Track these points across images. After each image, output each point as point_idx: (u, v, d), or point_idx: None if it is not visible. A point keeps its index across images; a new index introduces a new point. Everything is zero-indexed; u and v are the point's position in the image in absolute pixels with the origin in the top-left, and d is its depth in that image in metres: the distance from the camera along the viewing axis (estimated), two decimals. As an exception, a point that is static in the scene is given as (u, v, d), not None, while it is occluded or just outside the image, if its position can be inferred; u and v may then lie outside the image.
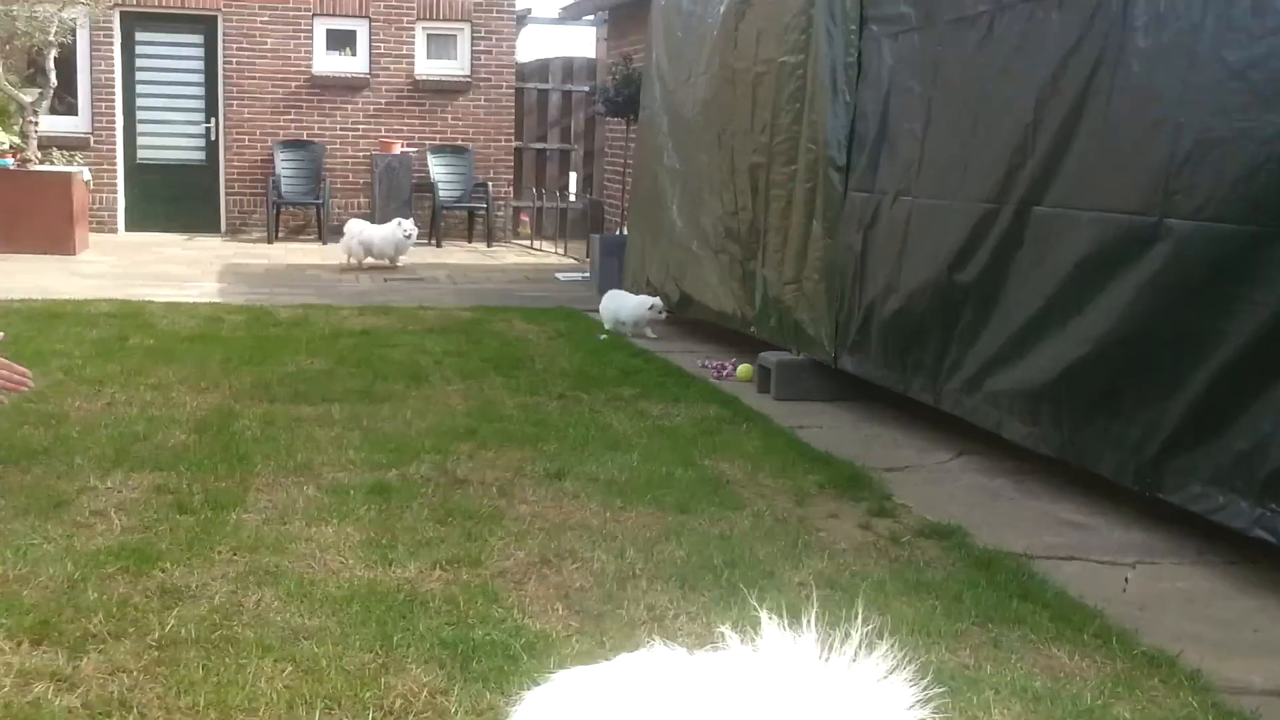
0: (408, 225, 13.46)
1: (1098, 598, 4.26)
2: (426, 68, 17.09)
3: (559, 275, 13.81)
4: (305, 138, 16.69)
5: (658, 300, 9.61)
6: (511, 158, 17.67)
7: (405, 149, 16.69)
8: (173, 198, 16.42)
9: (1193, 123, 4.66)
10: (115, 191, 16.26)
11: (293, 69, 16.66)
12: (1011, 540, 4.89)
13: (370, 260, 13.64)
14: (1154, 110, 4.85)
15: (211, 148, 16.62)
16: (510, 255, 15.81)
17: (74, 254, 13.44)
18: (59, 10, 13.70)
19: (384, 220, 16.24)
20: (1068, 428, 5.33)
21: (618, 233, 13.50)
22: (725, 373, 8.32)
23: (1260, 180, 4.39)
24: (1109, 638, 3.86)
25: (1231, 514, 4.49)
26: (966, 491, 5.65)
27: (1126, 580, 4.52)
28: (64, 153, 14.55)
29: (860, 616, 1.37)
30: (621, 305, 9.82)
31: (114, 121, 16.20)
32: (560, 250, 16.06)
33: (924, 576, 4.37)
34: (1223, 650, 3.89)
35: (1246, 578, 4.55)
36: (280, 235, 16.35)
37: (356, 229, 13.59)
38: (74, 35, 15.07)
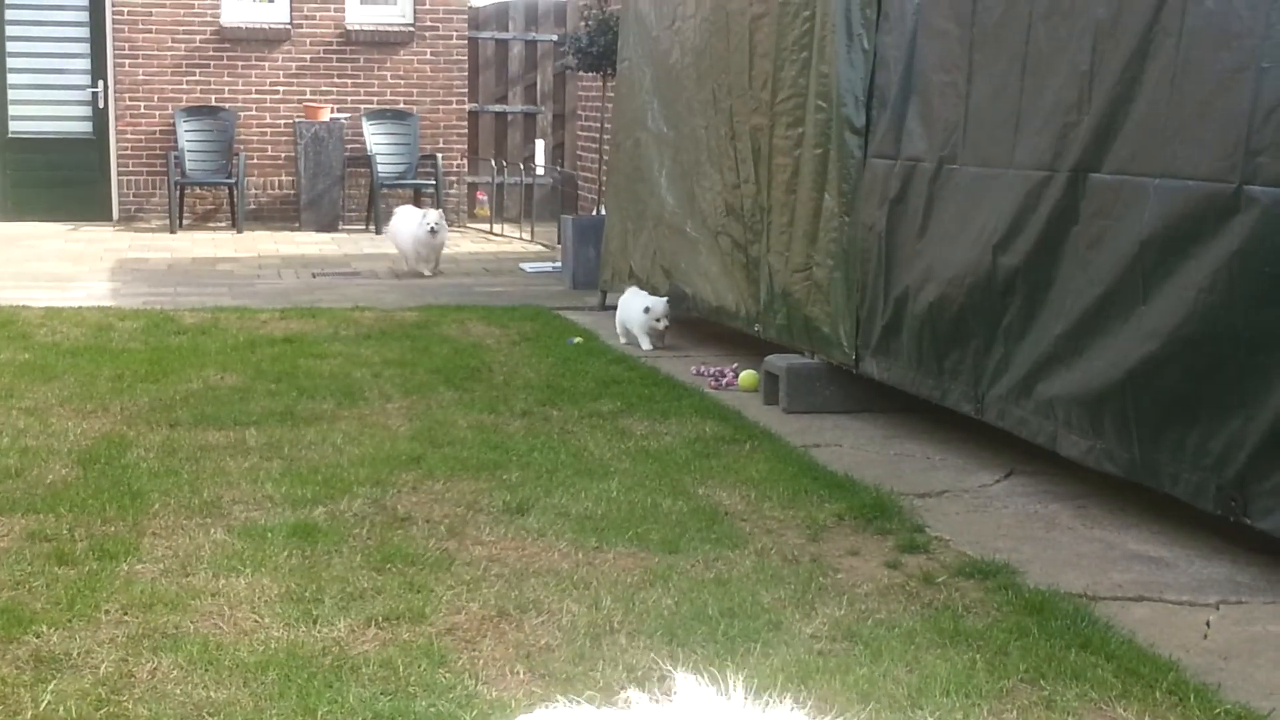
0: (432, 217, 12.74)
1: (1173, 646, 4.29)
2: (359, 15, 17.12)
3: (524, 266, 13.85)
4: (214, 103, 16.69)
5: (656, 302, 9.40)
6: (465, 124, 17.68)
7: (335, 115, 16.71)
8: (53, 180, 16.41)
9: (1278, 68, 4.69)
10: (-17, 173, 16.27)
11: (197, 20, 16.66)
12: (1069, 579, 4.92)
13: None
14: (1233, 53, 4.88)
15: (100, 117, 16.62)
16: (465, 242, 15.83)
17: (-67, 250, 13.43)
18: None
19: (310, 204, 16.28)
20: (1136, 442, 5.36)
21: (594, 213, 13.53)
22: (725, 381, 8.35)
23: (1360, 138, 4.42)
24: (1186, 694, 3.89)
25: (1333, 542, 4.52)
26: (1015, 521, 5.68)
27: (1208, 624, 4.55)
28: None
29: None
30: (630, 312, 9.55)
31: (-20, 88, 16.20)
32: (525, 235, 16.09)
33: (963, 624, 4.40)
34: (1324, 707, 3.92)
35: (1353, 619, 4.59)
36: (185, 223, 16.36)
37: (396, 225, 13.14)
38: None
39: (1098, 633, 4.33)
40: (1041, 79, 5.90)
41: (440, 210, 12.14)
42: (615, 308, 10.87)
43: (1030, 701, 3.86)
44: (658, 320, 9.31)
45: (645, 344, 9.36)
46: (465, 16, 17.53)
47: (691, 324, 9.94)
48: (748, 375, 8.23)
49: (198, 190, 16.71)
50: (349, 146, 16.71)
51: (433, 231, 12.36)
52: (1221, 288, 4.91)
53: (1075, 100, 5.64)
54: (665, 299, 9.40)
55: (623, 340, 9.50)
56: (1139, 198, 5.29)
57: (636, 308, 9.45)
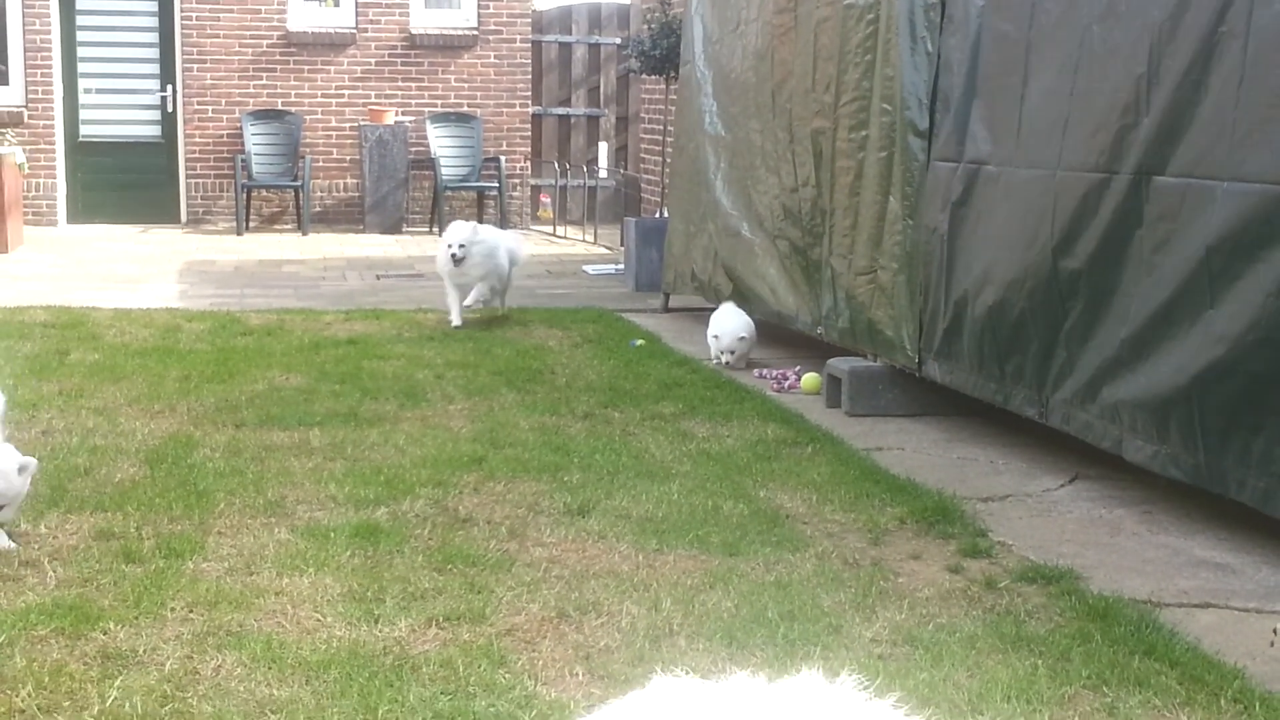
0: (459, 234, 9.81)
1: (1239, 653, 4.25)
2: (424, 19, 17.23)
3: (587, 268, 13.88)
4: (280, 107, 16.85)
5: (724, 332, 8.83)
6: (528, 127, 17.76)
7: (400, 118, 16.82)
8: (123, 183, 16.63)
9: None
10: (54, 176, 16.49)
11: (264, 24, 16.83)
12: (1134, 585, 4.88)
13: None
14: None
15: (168, 121, 16.82)
16: (528, 245, 15.83)
17: (4, 251, 13.65)
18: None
19: (374, 206, 16.37)
20: (1202, 447, 5.31)
21: (657, 215, 13.55)
22: (787, 384, 8.34)
23: None
24: (1251, 702, 3.86)
25: (1403, 549, 4.45)
26: (1079, 526, 5.64)
27: (1276, 632, 4.49)
28: (-8, 131, 14.79)
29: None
30: (724, 327, 8.96)
31: (52, 92, 16.44)
32: (588, 238, 16.13)
33: (1025, 630, 4.38)
34: (1393, 717, 3.87)
35: None
36: (252, 225, 16.52)
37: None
38: (3, -10, 15.31)
39: (1162, 639, 4.29)
40: (1096, 81, 5.87)
41: (474, 225, 9.31)
42: (679, 310, 10.91)
43: (1093, 708, 3.83)
44: (722, 353, 8.85)
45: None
46: (529, 20, 17.59)
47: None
48: (810, 378, 8.22)
49: (264, 193, 16.87)
50: (413, 149, 16.82)
51: (455, 259, 9.52)
52: (1290, 291, 4.85)
53: (1132, 102, 5.60)
54: (737, 333, 8.84)
55: (713, 361, 8.94)
56: (1206, 201, 5.24)
57: (731, 327, 8.92)
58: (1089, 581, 4.87)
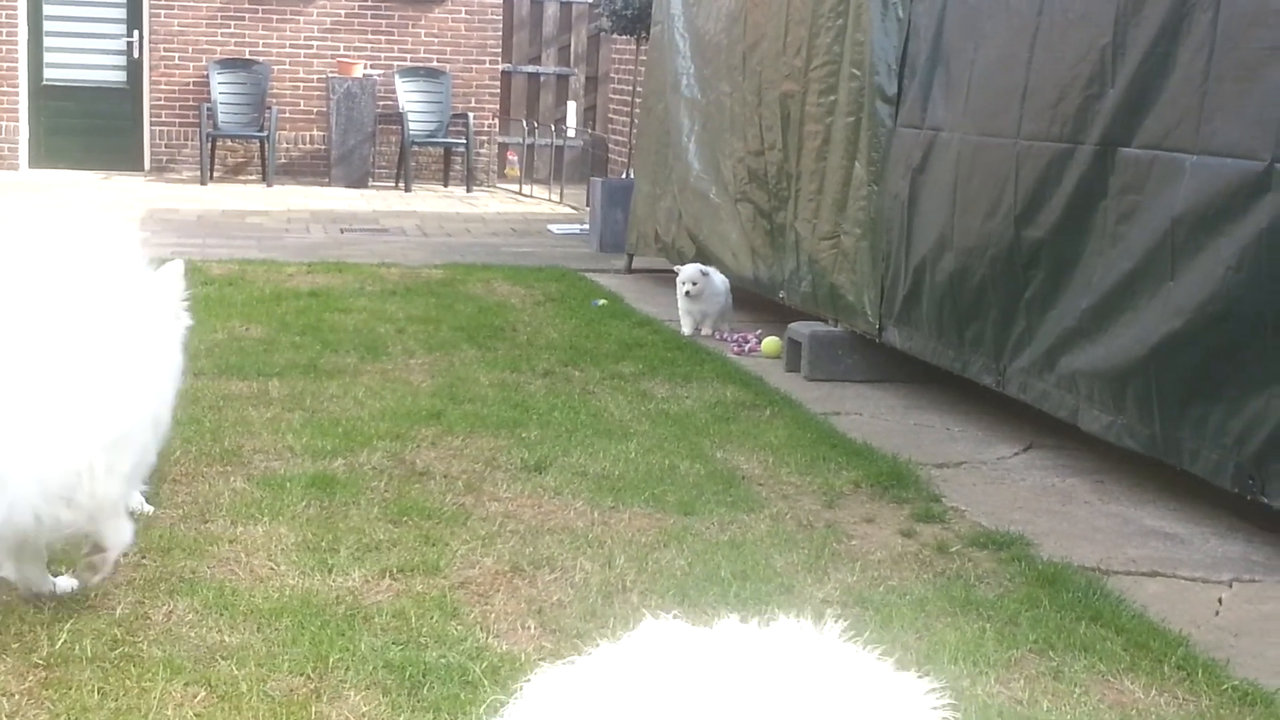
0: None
1: (1184, 622, 4.30)
2: (395, -28, 17.11)
3: (552, 228, 13.85)
4: (247, 56, 16.72)
5: (688, 268, 8.74)
6: (497, 84, 17.67)
7: (368, 71, 16.72)
8: (87, 128, 16.49)
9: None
10: (16, 120, 16.33)
11: (233, -28, 16.69)
12: (1084, 552, 4.93)
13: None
14: (1272, 29, 4.84)
15: (134, 67, 16.66)
16: (494, 202, 15.85)
17: (-35, 195, 13.51)
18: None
19: (340, 160, 16.30)
20: (1157, 418, 5.35)
21: (624, 176, 13.53)
22: (748, 347, 8.35)
23: (1392, 118, 4.39)
24: (1194, 669, 3.90)
25: (1349, 523, 4.51)
26: (1032, 493, 5.69)
27: (1220, 602, 4.56)
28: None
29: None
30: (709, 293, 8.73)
31: (15, 35, 16.25)
32: (554, 197, 16.10)
33: (974, 594, 4.42)
34: (1333, 687, 3.93)
35: (1367, 601, 4.58)
36: (216, 175, 16.41)
37: None
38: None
39: (1109, 606, 4.34)
40: (1057, 50, 5.88)
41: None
42: (641, 271, 10.91)
43: (1038, 671, 3.87)
44: (684, 284, 8.70)
45: (686, 328, 8.69)
46: (501, -24, 17.49)
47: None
48: (770, 342, 8.24)
49: (229, 143, 16.75)
50: (381, 103, 16.72)
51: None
52: (1249, 266, 4.89)
53: (1097, 72, 5.62)
54: (698, 266, 8.78)
55: (686, 331, 8.72)
56: (1174, 174, 5.26)
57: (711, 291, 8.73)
58: (1039, 548, 4.91)
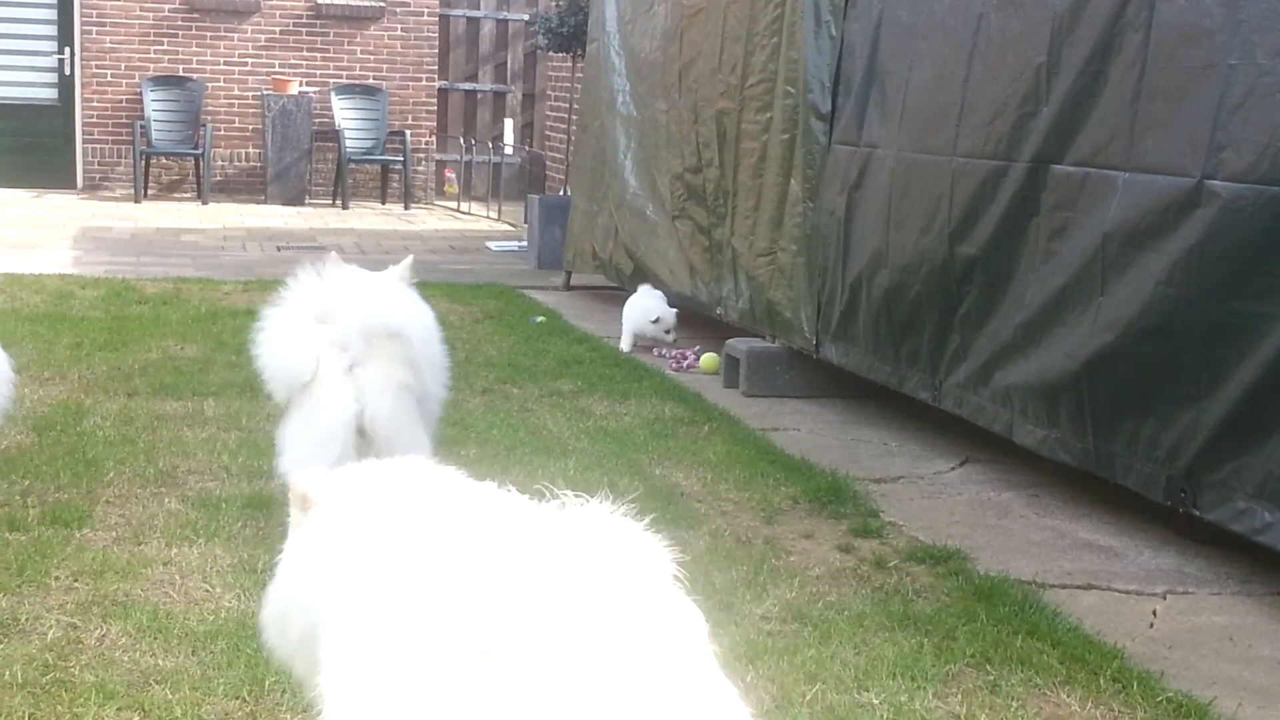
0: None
1: (1119, 634, 4.33)
2: (331, -11, 17.04)
3: (490, 245, 13.82)
4: (181, 73, 16.59)
5: (668, 313, 8.66)
6: (434, 101, 17.63)
7: (304, 88, 16.63)
8: (17, 146, 16.27)
9: (1246, 65, 4.72)
10: (-54, 137, 16.13)
11: (166, -11, 16.56)
12: (1020, 566, 4.95)
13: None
14: (1202, 49, 4.90)
15: (65, 84, 16.48)
16: (432, 220, 15.80)
17: (-106, 213, 13.32)
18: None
19: (277, 177, 16.20)
20: (1091, 432, 5.40)
21: (562, 193, 13.52)
22: (686, 363, 8.36)
23: (1319, 136, 4.45)
24: (1129, 682, 3.93)
25: (1279, 534, 4.56)
26: (969, 508, 5.72)
27: (1154, 614, 4.60)
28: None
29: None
30: (634, 313, 8.77)
31: (-55, 51, 16.05)
32: (492, 214, 16.06)
33: (912, 609, 4.43)
34: (1266, 697, 3.97)
35: (1297, 611, 4.64)
36: (150, 193, 16.26)
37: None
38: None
39: (1045, 619, 4.36)
40: (993, 69, 5.93)
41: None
42: (580, 288, 10.89)
43: (975, 685, 3.89)
44: (667, 332, 8.67)
45: (626, 344, 8.72)
46: (437, -7, 17.47)
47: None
48: (709, 358, 8.25)
49: (163, 160, 16.60)
50: (317, 121, 16.64)
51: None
52: (1179, 281, 4.94)
53: (1031, 91, 5.67)
54: (675, 311, 8.70)
55: (625, 348, 8.73)
56: (1106, 190, 5.31)
57: (642, 311, 8.76)
58: (976, 562, 4.93)
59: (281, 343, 4.68)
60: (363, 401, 4.52)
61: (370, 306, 4.68)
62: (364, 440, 4.49)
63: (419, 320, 4.86)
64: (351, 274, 4.79)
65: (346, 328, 4.59)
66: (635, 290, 9.06)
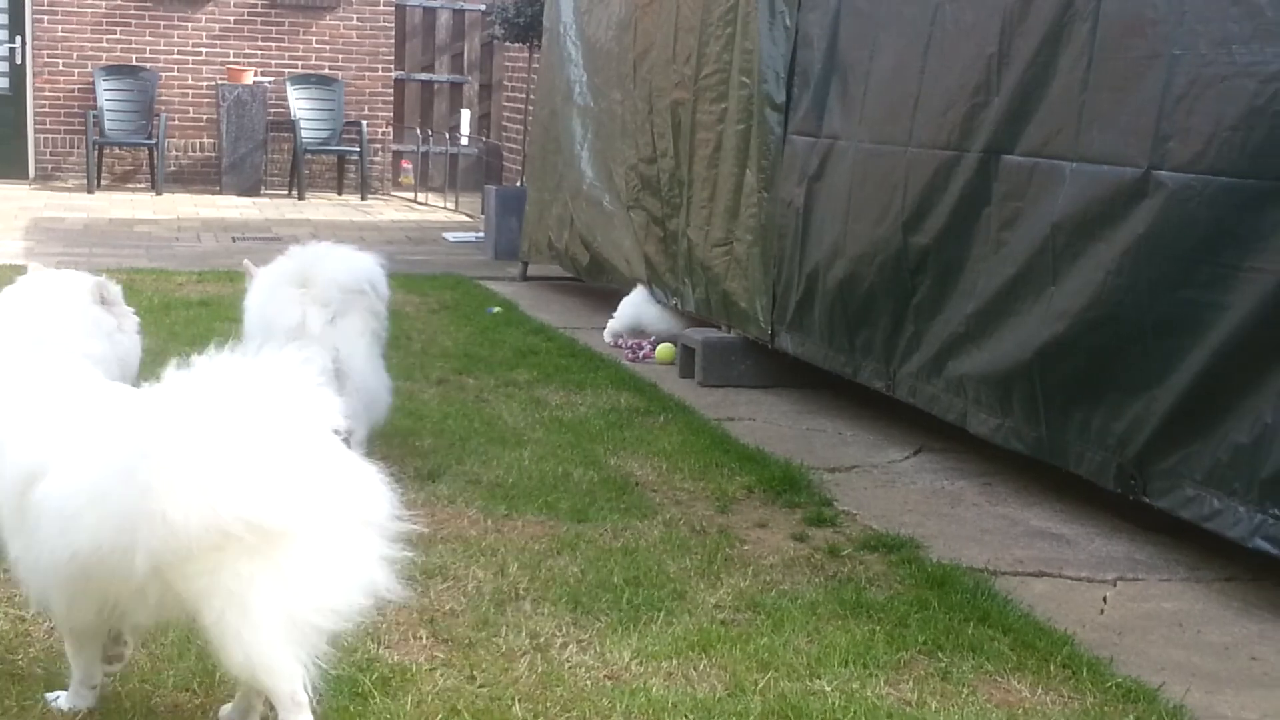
0: None
1: (1069, 621, 4.36)
2: (286, -21, 16.93)
3: (447, 235, 13.78)
4: (134, 62, 16.45)
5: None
6: (390, 91, 17.55)
7: (259, 78, 16.52)
8: (-33, 135, 16.14)
9: (1189, 55, 4.76)
10: (-105, 127, 15.96)
11: (119, -22, 16.42)
12: (972, 554, 4.98)
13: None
14: (1147, 39, 4.94)
15: (17, 74, 16.32)
16: (389, 211, 15.73)
17: None
18: None
19: (232, 168, 16.10)
20: (1043, 421, 5.43)
21: (518, 184, 13.49)
22: (642, 353, 8.36)
23: (1266, 125, 4.49)
24: (1079, 667, 3.96)
25: (1227, 521, 4.60)
26: (922, 496, 5.74)
27: (1105, 600, 4.63)
28: None
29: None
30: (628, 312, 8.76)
31: (-106, 40, 15.88)
32: (450, 205, 16.01)
33: (865, 597, 4.45)
34: (1213, 681, 4.01)
35: (1245, 597, 4.68)
36: (104, 183, 16.12)
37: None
38: None
39: (996, 607, 4.39)
40: (947, 60, 5.96)
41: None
42: (536, 278, 10.87)
43: (927, 673, 3.91)
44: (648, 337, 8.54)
45: (610, 337, 8.72)
46: (393, -17, 17.38)
47: (611, 296, 9.93)
48: (664, 348, 8.25)
49: (117, 150, 16.47)
50: (272, 111, 16.53)
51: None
52: (1128, 270, 4.98)
53: (983, 82, 5.70)
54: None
55: (610, 341, 8.71)
56: (1054, 180, 5.35)
57: (635, 317, 8.72)
58: (929, 550, 4.96)
59: (273, 301, 5.49)
60: (341, 347, 5.30)
61: (345, 268, 5.61)
62: (340, 378, 5.05)
63: (380, 278, 5.70)
64: (325, 245, 5.84)
65: (327, 287, 5.43)
66: (631, 290, 8.92)
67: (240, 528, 2.86)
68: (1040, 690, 3.83)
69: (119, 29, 16.45)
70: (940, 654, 4.02)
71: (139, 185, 16.44)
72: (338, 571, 3.00)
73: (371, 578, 3.09)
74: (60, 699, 3.39)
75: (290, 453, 2.98)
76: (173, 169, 16.51)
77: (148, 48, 16.54)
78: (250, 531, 2.87)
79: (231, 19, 16.75)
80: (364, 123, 16.77)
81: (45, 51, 16.31)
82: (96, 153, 15.97)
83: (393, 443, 5.95)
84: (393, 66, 17.51)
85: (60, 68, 16.36)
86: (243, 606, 2.90)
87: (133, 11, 16.47)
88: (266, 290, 5.63)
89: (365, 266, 5.67)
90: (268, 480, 2.91)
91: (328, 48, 17.09)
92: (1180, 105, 4.78)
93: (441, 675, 3.72)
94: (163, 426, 2.99)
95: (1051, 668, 3.96)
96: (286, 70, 16.85)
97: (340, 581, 3.02)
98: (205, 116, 16.71)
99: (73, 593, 3.10)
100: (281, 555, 2.92)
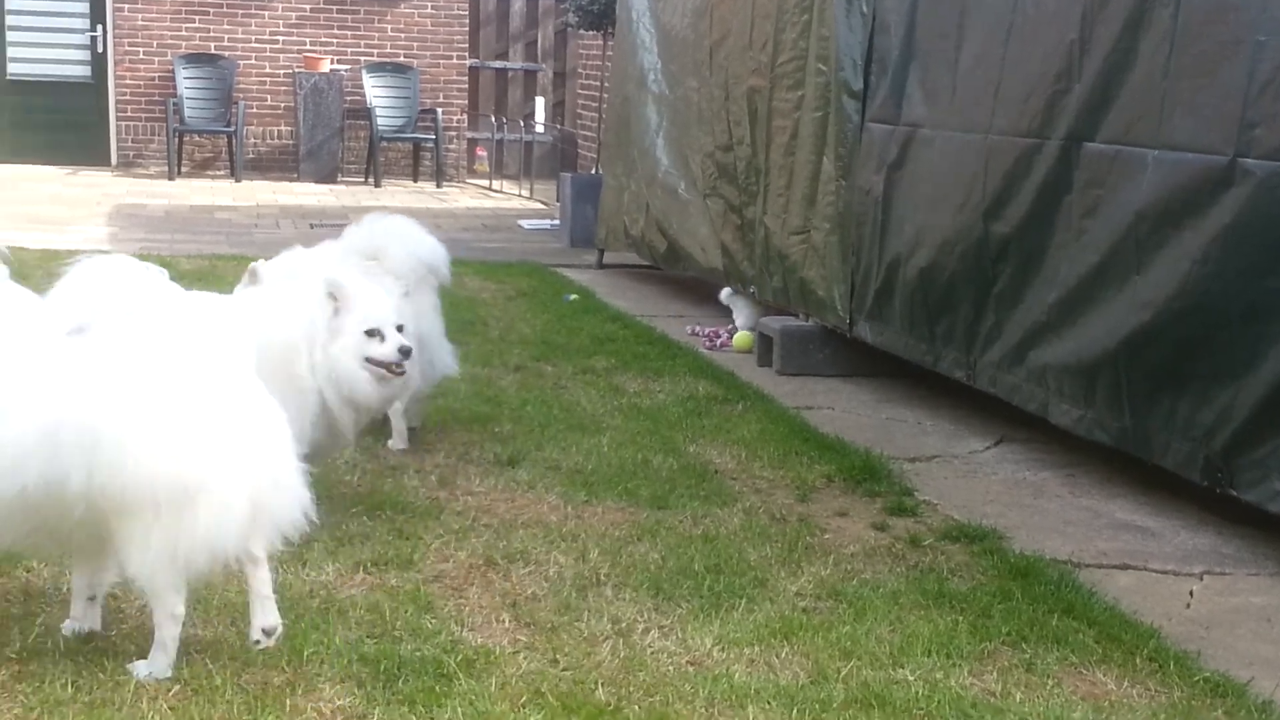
0: None
1: (1155, 614, 4.32)
2: (362, -33, 17.05)
3: (522, 223, 13.83)
4: (213, 51, 16.62)
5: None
6: (465, 79, 17.63)
7: (335, 66, 16.65)
8: (52, 123, 16.35)
9: (1274, 41, 4.69)
10: (-19, 115, 16.20)
11: (199, -33, 16.60)
12: (1055, 546, 4.95)
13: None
14: (1230, 25, 4.88)
15: (99, 62, 16.55)
16: (464, 198, 15.81)
17: (-70, 190, 13.40)
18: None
19: (309, 155, 16.24)
20: (1127, 411, 5.38)
21: (593, 171, 13.52)
22: (719, 342, 8.36)
23: (1357, 113, 4.42)
24: (1166, 661, 3.92)
25: (1317, 515, 4.55)
26: (1004, 487, 5.71)
27: (1191, 594, 4.58)
28: (-82, 66, 14.48)
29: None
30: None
31: (-20, 29, 16.12)
32: (524, 192, 16.07)
33: (947, 587, 4.43)
34: (1302, 677, 3.96)
35: (1334, 592, 4.62)
36: (184, 170, 16.31)
37: None
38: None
39: (1081, 599, 4.36)
40: (1029, 46, 5.90)
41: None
42: (613, 266, 10.88)
43: (1011, 664, 3.89)
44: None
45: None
46: (468, -29, 17.46)
47: (688, 284, 9.95)
48: (742, 336, 8.25)
49: (196, 138, 16.66)
50: (349, 98, 16.65)
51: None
52: (1215, 259, 4.92)
53: (1064, 69, 5.65)
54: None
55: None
56: (1136, 168, 5.30)
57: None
58: (1011, 541, 4.93)
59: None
60: (413, 322, 5.04)
61: (419, 244, 5.85)
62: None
63: (445, 260, 6.03)
64: (396, 219, 5.86)
65: (401, 262, 5.52)
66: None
67: (165, 483, 3.36)
68: (1126, 683, 3.80)
69: (198, 18, 16.62)
70: (1024, 645, 3.99)
71: (218, 172, 16.61)
72: (230, 519, 3.47)
73: (272, 521, 3.62)
74: (139, 667, 3.57)
75: (209, 415, 3.47)
76: (251, 156, 16.67)
77: (226, 36, 16.70)
78: (169, 488, 3.36)
79: (308, 7, 16.89)
80: (439, 110, 16.86)
81: (126, 40, 16.51)
82: (177, 140, 16.15)
83: (472, 429, 6.00)
84: (467, 54, 17.58)
85: (141, 56, 16.56)
86: (144, 541, 3.39)
87: (211, 1, 16.64)
88: (335, 262, 5.55)
89: (433, 246, 5.94)
90: (189, 443, 3.40)
91: (403, 35, 17.19)
92: (1266, 92, 4.72)
93: (525, 658, 3.74)
94: (100, 386, 3.45)
95: (1138, 661, 3.93)
96: (362, 58, 16.96)
97: (231, 528, 3.48)
98: (283, 104, 16.86)
99: (20, 522, 3.48)
100: (187, 504, 3.40)
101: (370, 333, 4.59)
